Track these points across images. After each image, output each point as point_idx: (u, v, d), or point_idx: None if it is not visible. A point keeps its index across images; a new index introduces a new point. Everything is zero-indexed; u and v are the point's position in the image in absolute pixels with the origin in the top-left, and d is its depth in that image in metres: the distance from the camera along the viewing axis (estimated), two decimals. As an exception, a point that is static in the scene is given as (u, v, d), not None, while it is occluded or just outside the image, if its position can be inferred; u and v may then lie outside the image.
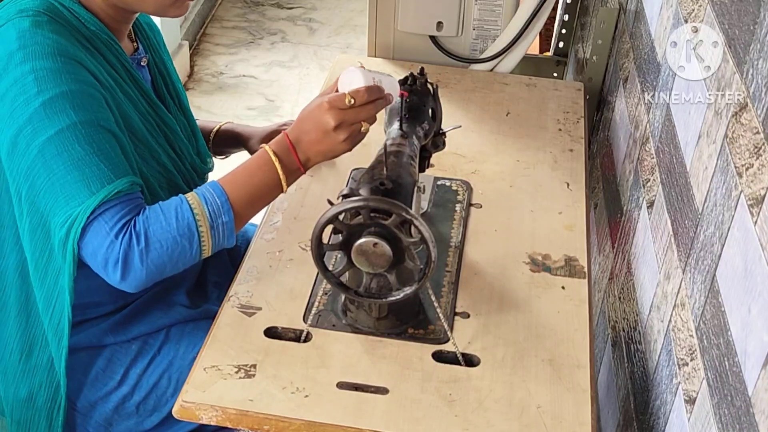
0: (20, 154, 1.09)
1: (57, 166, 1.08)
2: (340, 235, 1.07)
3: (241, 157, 1.55)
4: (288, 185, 1.19)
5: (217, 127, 1.53)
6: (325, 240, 1.08)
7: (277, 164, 1.17)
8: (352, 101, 1.15)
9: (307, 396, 1.06)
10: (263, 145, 1.19)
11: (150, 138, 1.24)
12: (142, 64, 1.32)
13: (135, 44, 1.32)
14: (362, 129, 1.18)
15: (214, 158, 1.53)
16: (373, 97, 1.17)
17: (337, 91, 1.20)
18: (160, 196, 1.22)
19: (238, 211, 1.15)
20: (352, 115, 1.16)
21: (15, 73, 1.09)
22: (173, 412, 1.06)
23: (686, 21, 1.21)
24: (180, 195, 1.14)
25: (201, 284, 1.40)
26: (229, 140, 1.54)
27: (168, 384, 1.28)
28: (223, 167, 1.51)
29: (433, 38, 1.84)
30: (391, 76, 1.23)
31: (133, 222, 1.10)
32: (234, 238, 1.16)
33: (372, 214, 1.04)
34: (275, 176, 1.17)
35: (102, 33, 1.20)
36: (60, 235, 1.09)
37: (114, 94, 1.18)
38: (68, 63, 1.11)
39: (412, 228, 1.05)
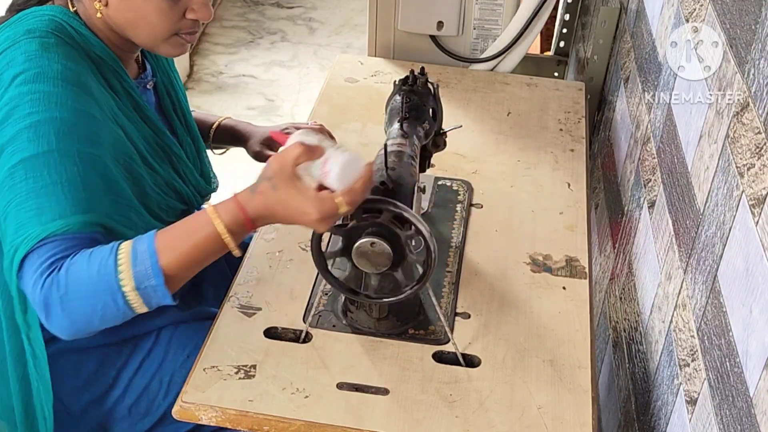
0: None
1: (20, 190, 1.05)
2: (339, 235, 1.07)
3: (239, 152, 1.55)
4: (237, 243, 1.05)
5: (217, 122, 1.53)
6: (325, 240, 1.08)
7: (220, 226, 1.03)
8: (343, 207, 1.01)
9: (307, 397, 1.06)
10: (207, 204, 1.04)
11: (153, 162, 1.23)
12: (147, 87, 1.30)
13: (142, 67, 1.30)
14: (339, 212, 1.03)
15: (212, 152, 1.52)
16: (366, 198, 1.03)
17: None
18: (159, 218, 1.21)
19: (170, 274, 1.03)
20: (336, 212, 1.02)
21: (13, 92, 1.07)
22: (173, 413, 1.06)
23: (687, 20, 1.21)
24: (113, 244, 1.04)
25: (196, 284, 1.39)
26: (228, 137, 1.53)
27: (159, 386, 1.27)
28: (226, 181, 1.51)
29: (433, 38, 1.84)
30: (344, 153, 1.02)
31: (60, 265, 1.03)
32: (168, 297, 1.04)
33: (364, 215, 1.04)
34: (218, 239, 1.04)
35: (108, 59, 1.17)
36: (6, 263, 1.07)
37: (115, 119, 1.16)
38: (69, 89, 1.08)
39: (412, 228, 1.05)
